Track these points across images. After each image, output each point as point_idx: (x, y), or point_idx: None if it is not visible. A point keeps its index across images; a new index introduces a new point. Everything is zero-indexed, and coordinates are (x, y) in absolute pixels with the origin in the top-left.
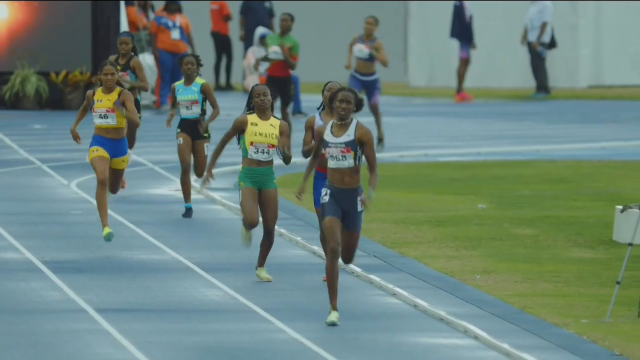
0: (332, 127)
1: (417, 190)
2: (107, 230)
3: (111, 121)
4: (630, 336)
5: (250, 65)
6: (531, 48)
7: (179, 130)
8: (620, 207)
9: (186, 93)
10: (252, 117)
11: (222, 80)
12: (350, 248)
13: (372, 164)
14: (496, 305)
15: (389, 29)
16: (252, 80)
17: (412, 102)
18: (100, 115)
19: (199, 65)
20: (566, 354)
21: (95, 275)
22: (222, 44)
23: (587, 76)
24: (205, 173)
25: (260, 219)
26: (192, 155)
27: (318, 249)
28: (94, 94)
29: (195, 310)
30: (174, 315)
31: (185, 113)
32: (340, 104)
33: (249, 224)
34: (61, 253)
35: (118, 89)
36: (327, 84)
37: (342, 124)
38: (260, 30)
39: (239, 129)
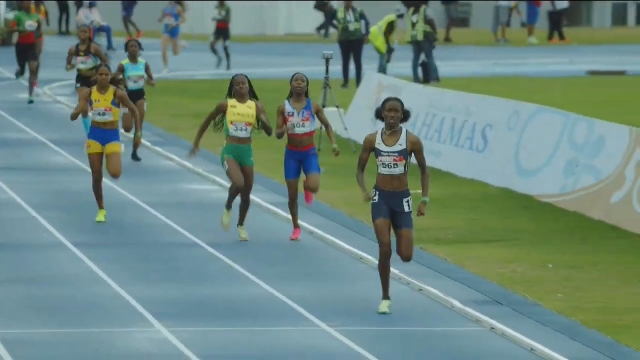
0: (382, 135)
1: (185, 97)
2: (103, 212)
3: (109, 117)
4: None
5: (80, 19)
6: None
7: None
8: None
9: (135, 70)
10: (232, 101)
11: (63, 28)
12: (408, 245)
13: (424, 168)
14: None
15: None
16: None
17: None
18: (99, 113)
19: (141, 47)
20: (321, 218)
21: None
22: (62, 7)
23: (284, 26)
24: (193, 147)
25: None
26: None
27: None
28: (90, 93)
29: (50, 169)
30: (38, 172)
31: (132, 85)
32: (389, 112)
33: (236, 186)
34: None
35: (112, 88)
36: (294, 75)
37: (392, 133)
38: None
39: (220, 110)
